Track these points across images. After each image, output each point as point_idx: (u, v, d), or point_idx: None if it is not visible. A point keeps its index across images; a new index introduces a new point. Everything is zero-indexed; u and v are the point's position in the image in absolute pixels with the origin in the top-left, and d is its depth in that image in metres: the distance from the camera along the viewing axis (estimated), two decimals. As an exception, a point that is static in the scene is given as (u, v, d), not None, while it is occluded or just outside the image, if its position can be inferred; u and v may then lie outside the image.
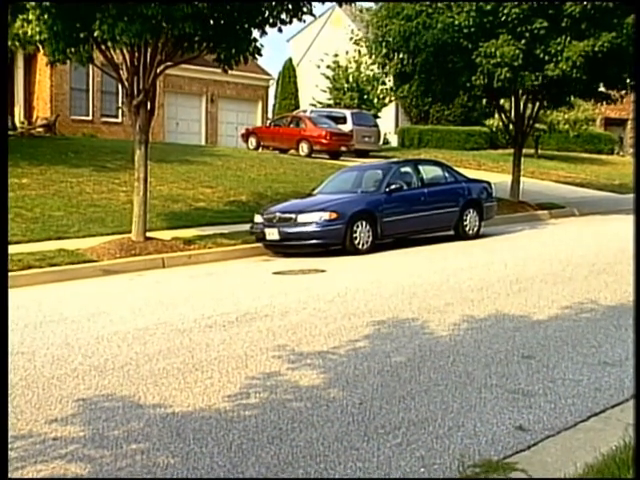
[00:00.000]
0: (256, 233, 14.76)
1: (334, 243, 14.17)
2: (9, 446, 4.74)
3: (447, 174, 16.78)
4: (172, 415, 5.44)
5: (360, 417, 5.25)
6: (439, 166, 17.49)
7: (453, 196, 16.17)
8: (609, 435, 4.73)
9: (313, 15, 14.67)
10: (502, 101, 23.41)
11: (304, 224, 14.20)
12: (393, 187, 15.16)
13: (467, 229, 15.99)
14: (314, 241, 14.15)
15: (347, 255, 13.82)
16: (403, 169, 16.19)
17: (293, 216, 14.40)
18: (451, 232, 15.98)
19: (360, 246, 14.19)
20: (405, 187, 15.48)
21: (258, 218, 14.90)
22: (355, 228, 14.18)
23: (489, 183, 17.48)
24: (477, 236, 16.01)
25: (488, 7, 18.56)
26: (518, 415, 5.20)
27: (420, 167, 16.49)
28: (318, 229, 14.09)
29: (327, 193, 15.83)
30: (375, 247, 14.36)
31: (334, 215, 14.19)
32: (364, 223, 14.33)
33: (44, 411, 5.63)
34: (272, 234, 14.37)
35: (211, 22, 13.63)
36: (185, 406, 5.61)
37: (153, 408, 5.60)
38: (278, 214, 14.62)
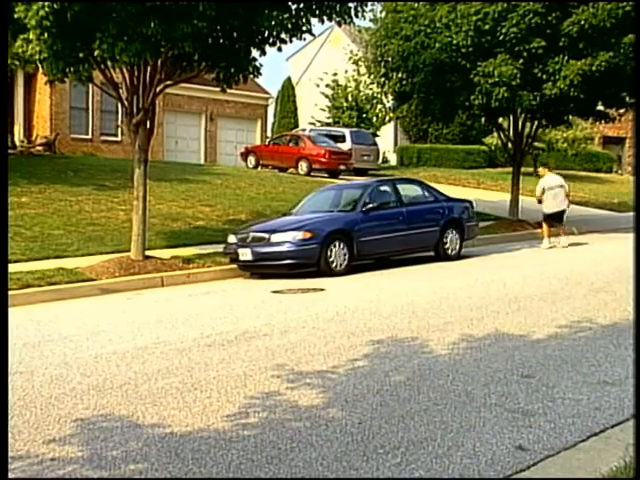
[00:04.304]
0: (230, 254, 14.33)
1: (308, 263, 13.71)
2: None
3: (427, 193, 16.34)
4: (171, 435, 5.41)
5: (359, 437, 5.23)
6: (419, 185, 17.02)
7: (433, 216, 15.70)
8: (609, 455, 4.71)
9: (312, 34, 14.65)
10: (500, 120, 23.51)
11: (277, 244, 13.78)
12: (370, 206, 14.76)
13: (448, 249, 15.49)
14: (287, 261, 13.68)
15: (322, 277, 13.39)
16: (381, 188, 15.75)
17: (266, 236, 14.01)
18: (431, 253, 15.52)
19: (335, 267, 13.75)
20: (383, 206, 15.08)
21: (232, 238, 14.49)
22: (330, 248, 13.73)
23: (470, 202, 17.06)
24: (458, 257, 15.50)
25: (486, 27, 18.67)
26: (518, 435, 5.18)
27: (399, 186, 16.01)
28: (292, 249, 13.64)
29: (304, 212, 15.38)
30: (351, 268, 13.97)
31: (308, 235, 13.74)
32: (340, 243, 13.86)
33: (42, 431, 5.61)
34: (245, 254, 13.94)
35: (210, 41, 13.70)
36: (184, 426, 5.59)
37: (152, 428, 5.58)
38: (252, 234, 14.25)
